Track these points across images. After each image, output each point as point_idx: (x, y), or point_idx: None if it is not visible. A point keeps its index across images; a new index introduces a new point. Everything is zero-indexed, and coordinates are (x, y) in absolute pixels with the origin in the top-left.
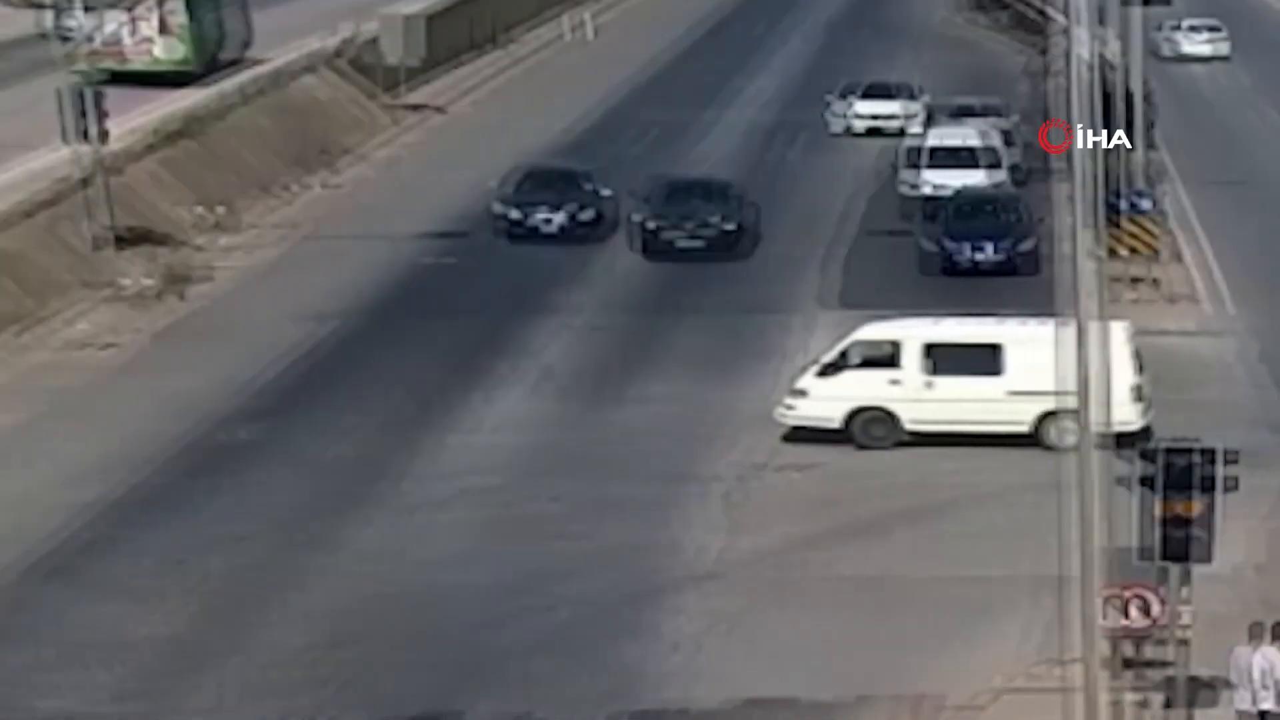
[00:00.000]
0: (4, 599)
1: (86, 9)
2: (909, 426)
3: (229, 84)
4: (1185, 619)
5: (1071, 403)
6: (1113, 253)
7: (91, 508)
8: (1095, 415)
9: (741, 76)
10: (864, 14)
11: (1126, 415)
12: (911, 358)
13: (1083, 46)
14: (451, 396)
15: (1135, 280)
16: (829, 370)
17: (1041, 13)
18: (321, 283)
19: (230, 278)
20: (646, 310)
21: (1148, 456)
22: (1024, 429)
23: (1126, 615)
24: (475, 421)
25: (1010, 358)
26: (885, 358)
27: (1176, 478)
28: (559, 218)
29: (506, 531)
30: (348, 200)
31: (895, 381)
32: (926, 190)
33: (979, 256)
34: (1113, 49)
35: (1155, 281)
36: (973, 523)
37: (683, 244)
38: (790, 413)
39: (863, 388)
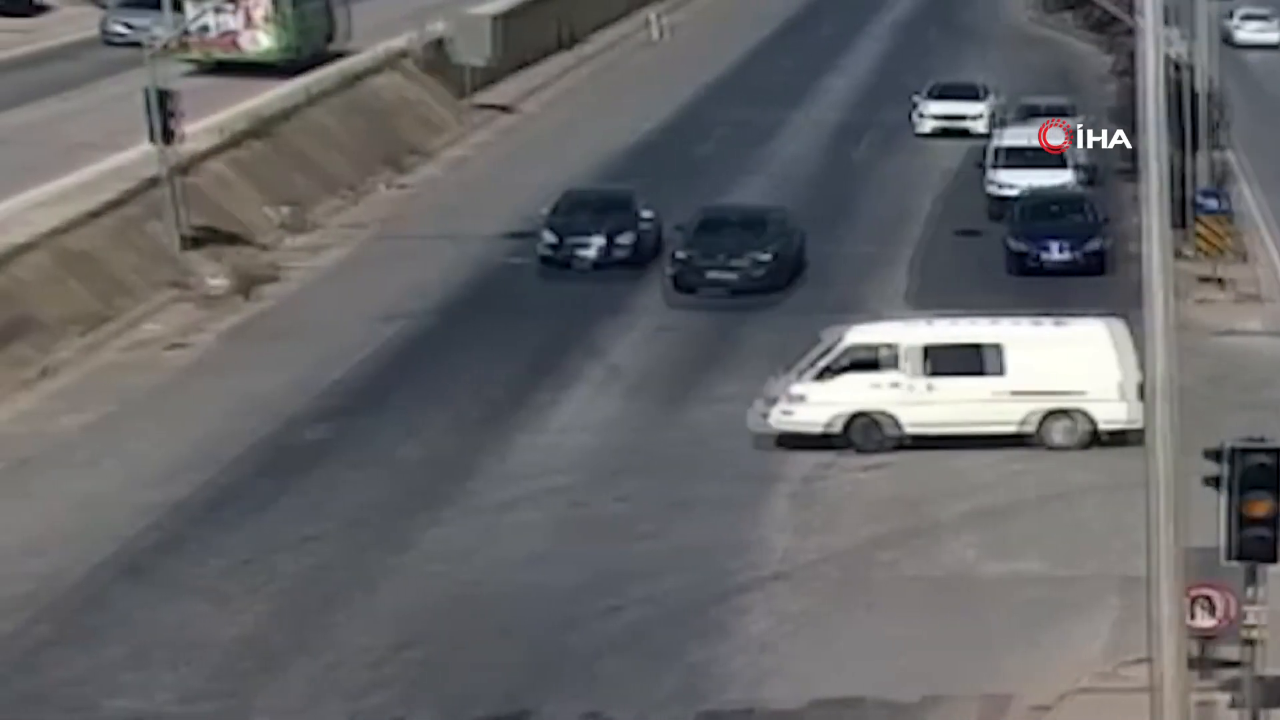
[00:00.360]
0: (72, 598)
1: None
2: (909, 430)
3: (297, 83)
4: (1251, 619)
5: (1071, 402)
6: (1179, 253)
7: (159, 507)
8: (1163, 415)
9: (810, 76)
10: (933, 14)
11: (1130, 413)
12: (911, 360)
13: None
14: (519, 396)
15: (1203, 280)
16: (826, 374)
17: (1130, 12)
18: (389, 282)
19: (298, 278)
20: (715, 308)
21: (1215, 456)
22: (1027, 429)
23: (1192, 615)
24: (543, 421)
25: (1011, 358)
26: (883, 360)
27: (1245, 477)
28: (594, 246)
29: (574, 532)
30: (416, 200)
31: (895, 384)
32: (993, 190)
33: (1046, 257)
34: (1182, 49)
35: (1222, 281)
36: (1039, 523)
37: (713, 275)
38: (787, 419)
39: (862, 392)
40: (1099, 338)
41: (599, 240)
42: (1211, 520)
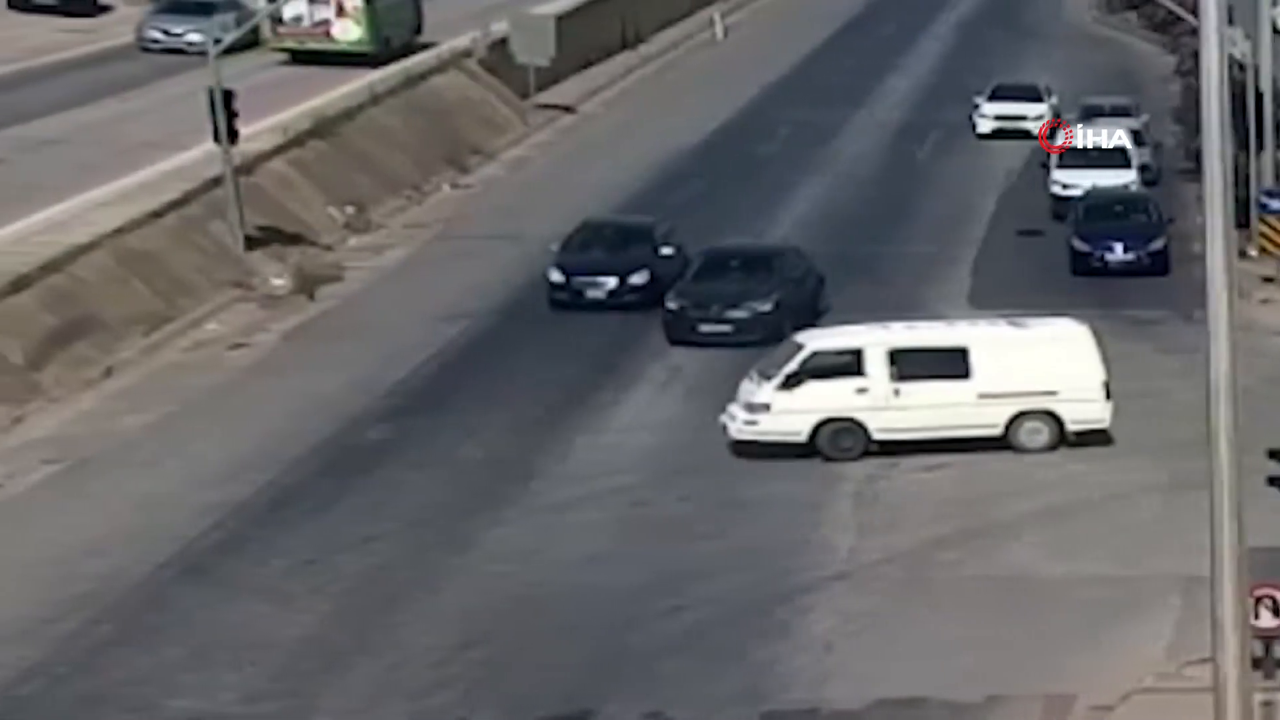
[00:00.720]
0: (133, 598)
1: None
2: (877, 436)
3: (360, 83)
4: None
5: (1040, 404)
6: (1242, 253)
7: (221, 507)
8: (1225, 415)
9: (872, 76)
10: (995, 13)
11: (1098, 413)
12: (877, 365)
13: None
14: (580, 396)
15: (1266, 280)
16: (791, 382)
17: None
18: (451, 283)
19: (360, 278)
20: None
21: (1278, 456)
22: (995, 432)
23: (1256, 615)
24: (604, 421)
25: (977, 361)
26: (848, 366)
27: None
28: (604, 288)
29: (635, 532)
30: (477, 200)
31: (862, 390)
32: (1056, 190)
33: (1110, 257)
34: (1242, 49)
35: None
36: (1101, 523)
37: (706, 329)
38: (751, 428)
39: (829, 398)
40: (1065, 338)
41: (609, 282)
42: (1274, 520)
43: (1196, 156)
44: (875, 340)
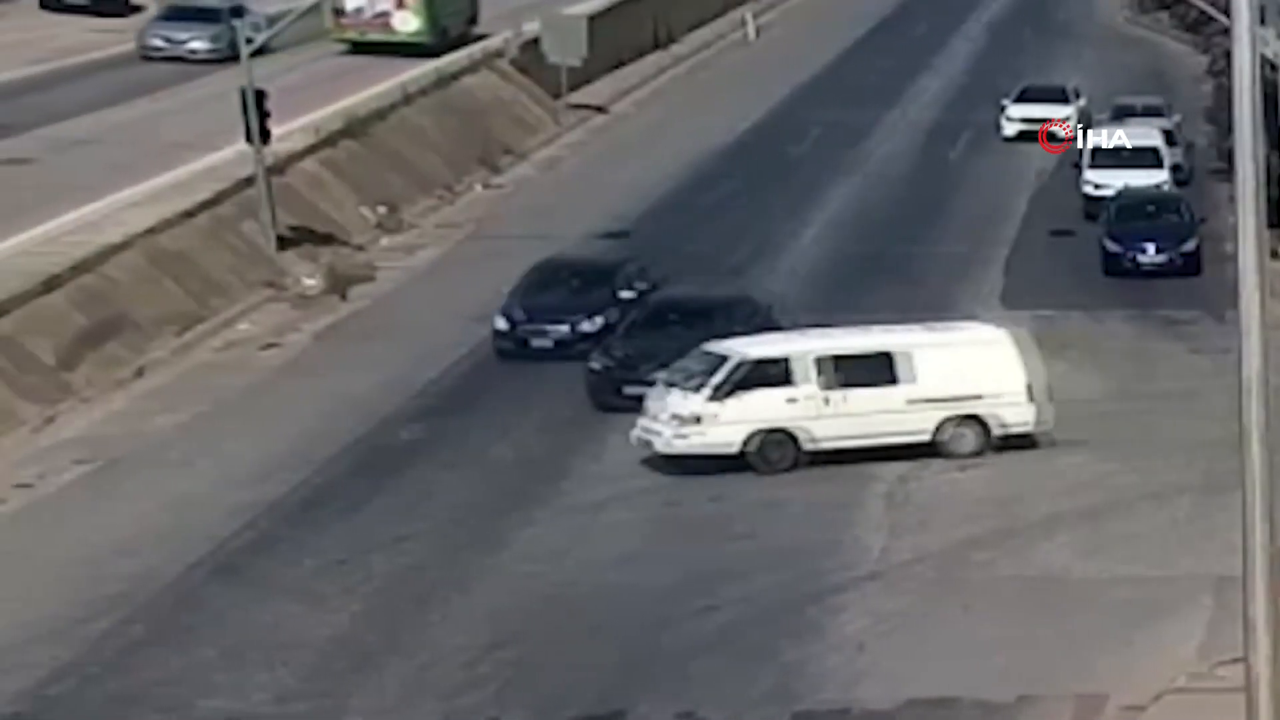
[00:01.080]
0: (165, 598)
1: None
2: (808, 446)
3: (392, 83)
4: None
5: (969, 408)
6: (1274, 253)
7: (253, 507)
8: (1256, 415)
9: (904, 76)
10: (1027, 13)
11: (1023, 417)
12: (805, 373)
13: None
14: None
15: None
16: (720, 392)
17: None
18: (483, 283)
19: (392, 278)
20: (809, 309)
21: None
22: (924, 438)
23: None
24: (635, 421)
25: (904, 366)
26: (776, 375)
27: None
28: (552, 336)
29: (667, 532)
30: (509, 200)
31: (792, 400)
32: (1088, 190)
33: (1142, 258)
34: (1274, 49)
35: None
36: (1133, 523)
37: (630, 391)
38: (682, 442)
39: (760, 408)
40: (987, 342)
41: (559, 329)
42: None
43: (1228, 156)
44: (802, 348)
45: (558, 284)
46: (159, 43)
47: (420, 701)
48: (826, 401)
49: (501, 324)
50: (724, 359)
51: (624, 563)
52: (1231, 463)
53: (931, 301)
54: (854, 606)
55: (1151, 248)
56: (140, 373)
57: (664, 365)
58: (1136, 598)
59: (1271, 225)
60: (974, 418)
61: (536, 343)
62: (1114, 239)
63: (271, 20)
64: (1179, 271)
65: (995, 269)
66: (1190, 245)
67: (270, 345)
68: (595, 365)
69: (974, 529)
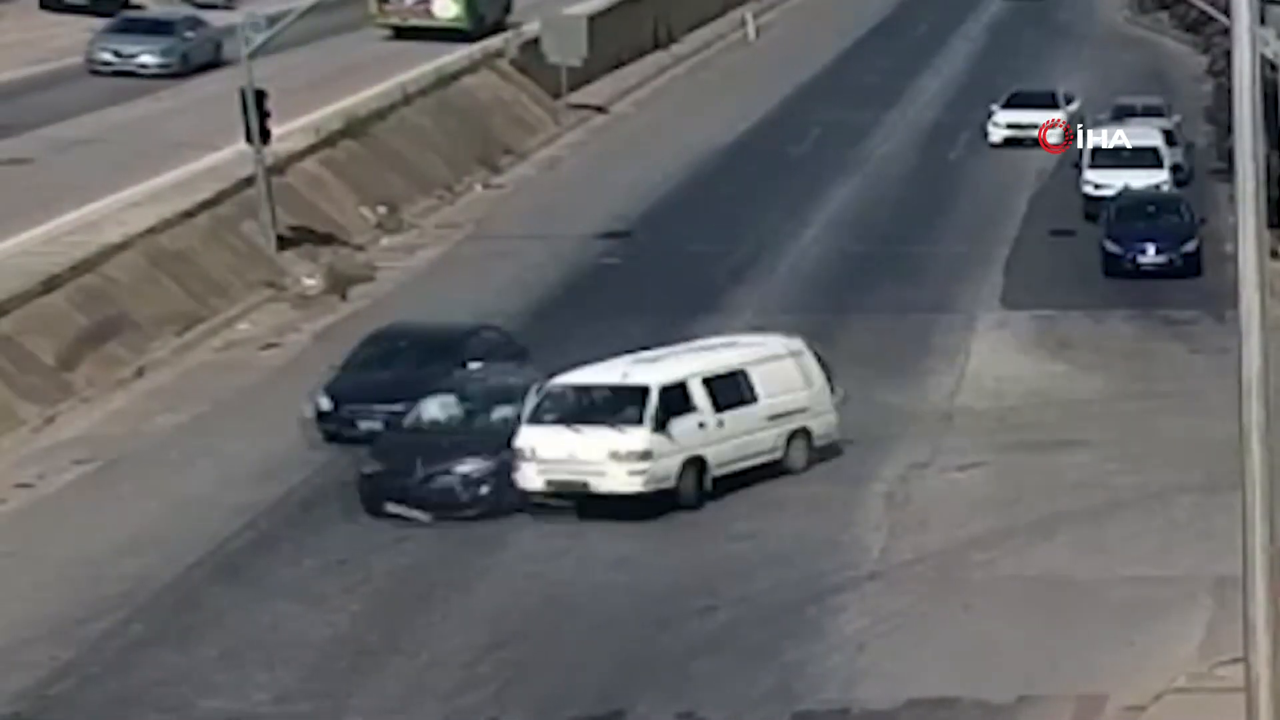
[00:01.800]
0: (165, 599)
1: None
2: (715, 473)
3: (392, 83)
4: None
5: (800, 421)
6: (1274, 253)
7: (253, 508)
8: (1256, 415)
9: (904, 76)
10: (1028, 14)
11: (833, 426)
12: (701, 397)
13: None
14: None
15: None
16: (660, 423)
17: (1225, 12)
18: (484, 283)
19: (392, 278)
20: (809, 309)
21: None
22: (777, 456)
23: None
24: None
25: (757, 383)
26: (681, 401)
27: None
28: (380, 418)
29: (668, 532)
30: (509, 200)
31: (702, 425)
32: (1088, 190)
33: (1141, 259)
34: (1274, 49)
35: None
36: (1135, 523)
37: (394, 510)
38: (638, 479)
39: (686, 437)
40: (803, 351)
41: (392, 408)
42: None
43: (1229, 156)
44: (694, 369)
45: (395, 357)
46: (107, 56)
47: (420, 701)
48: (721, 424)
49: (325, 404)
50: (628, 389)
51: (624, 563)
52: (1231, 463)
53: (932, 302)
54: (854, 606)
55: (1152, 248)
56: (140, 373)
57: (443, 472)
58: (1136, 598)
59: (1271, 225)
60: (804, 431)
61: (365, 424)
62: (1114, 240)
63: (271, 20)
64: (1179, 272)
65: (995, 269)
66: (1190, 246)
67: (270, 345)
68: (366, 470)
69: (975, 529)
